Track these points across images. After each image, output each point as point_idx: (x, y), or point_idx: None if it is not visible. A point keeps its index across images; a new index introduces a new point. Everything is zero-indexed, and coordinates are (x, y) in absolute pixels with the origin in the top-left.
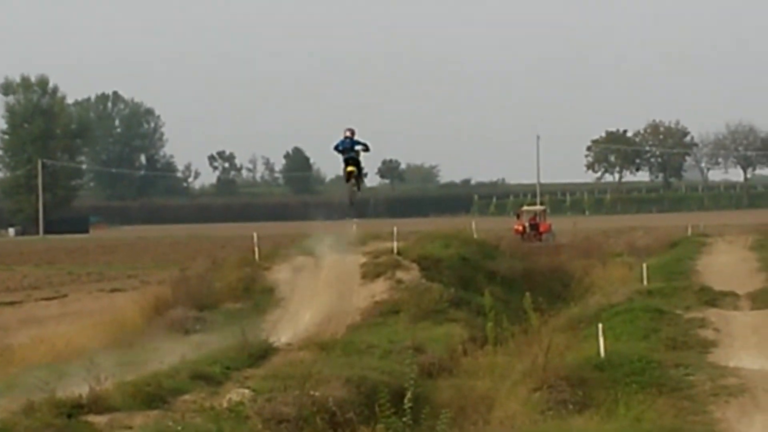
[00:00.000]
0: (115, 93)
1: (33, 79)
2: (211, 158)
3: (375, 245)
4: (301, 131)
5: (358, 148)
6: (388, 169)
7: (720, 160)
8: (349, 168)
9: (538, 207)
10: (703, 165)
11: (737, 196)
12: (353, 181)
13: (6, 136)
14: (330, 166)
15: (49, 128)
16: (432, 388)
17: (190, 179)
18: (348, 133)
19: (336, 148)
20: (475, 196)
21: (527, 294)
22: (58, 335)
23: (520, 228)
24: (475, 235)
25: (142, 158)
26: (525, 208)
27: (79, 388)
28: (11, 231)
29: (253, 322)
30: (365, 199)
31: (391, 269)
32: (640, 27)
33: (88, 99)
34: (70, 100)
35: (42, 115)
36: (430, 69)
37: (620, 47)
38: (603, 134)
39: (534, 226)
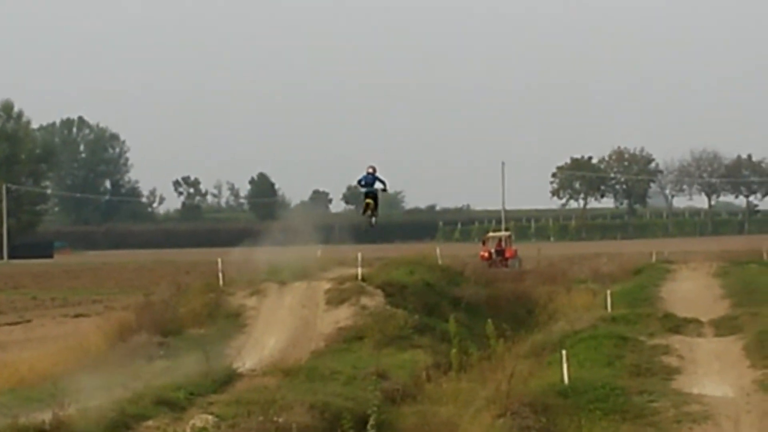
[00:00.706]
0: (80, 118)
1: None
2: (176, 183)
3: (339, 271)
4: (266, 157)
5: (377, 185)
6: (353, 194)
7: (684, 186)
8: (368, 200)
9: (504, 233)
10: (667, 192)
11: (701, 222)
12: (369, 212)
13: None
14: (295, 191)
15: (14, 153)
16: (396, 414)
17: (155, 204)
18: (370, 170)
19: (359, 182)
20: (440, 222)
21: (490, 321)
22: (22, 360)
23: (486, 254)
24: (440, 261)
25: (107, 183)
26: (491, 234)
27: (42, 414)
28: None
29: (217, 348)
30: (330, 225)
31: (355, 295)
32: (604, 53)
33: (53, 124)
34: (35, 125)
35: (6, 140)
36: (394, 95)
37: (585, 74)
38: (568, 161)
39: (500, 252)
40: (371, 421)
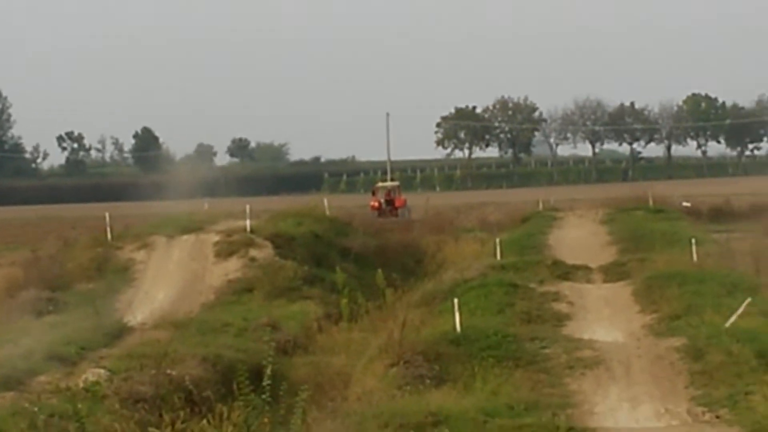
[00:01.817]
0: None
1: None
2: (60, 139)
3: (227, 224)
4: (150, 111)
5: None
6: (238, 147)
7: (569, 135)
8: None
9: (393, 183)
10: (552, 140)
11: (586, 170)
12: None
13: None
14: (180, 145)
15: None
16: (288, 365)
17: (39, 160)
18: None
19: None
20: (326, 174)
21: (380, 271)
22: None
23: (376, 204)
24: (328, 213)
25: None
26: (379, 184)
27: None
28: None
29: (107, 302)
30: (216, 179)
31: (244, 247)
32: (487, 3)
33: None
34: None
35: None
36: (279, 48)
37: (466, 24)
38: (452, 111)
39: (390, 202)
40: (267, 371)
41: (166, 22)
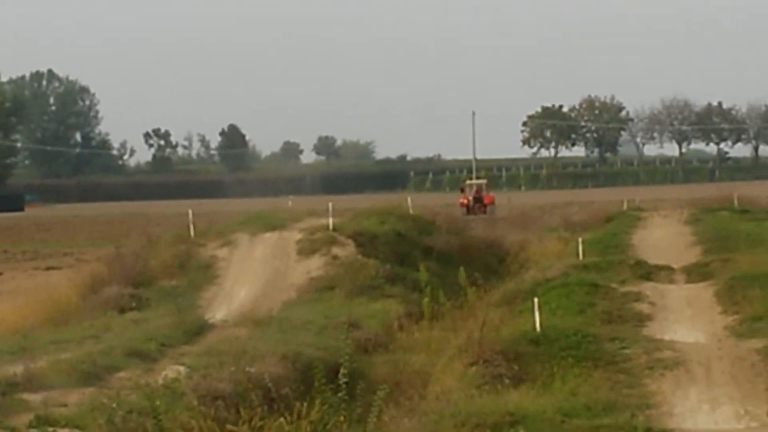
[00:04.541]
0: (49, 71)
1: None
2: (147, 135)
3: (310, 222)
4: (237, 108)
5: None
6: (324, 145)
7: (655, 134)
8: None
9: (481, 180)
10: (638, 140)
11: (672, 170)
12: None
13: None
14: (266, 142)
15: None
16: (368, 363)
17: (126, 157)
18: None
19: None
20: (411, 172)
21: (461, 269)
22: None
23: (465, 201)
24: (411, 211)
25: (78, 136)
26: (468, 182)
27: (13, 367)
28: None
29: (189, 299)
30: (301, 176)
31: (326, 245)
32: (573, 2)
33: (23, 77)
34: (4, 78)
35: None
36: (366, 45)
37: (554, 22)
38: (538, 109)
39: (478, 199)
40: (343, 370)
41: (253, 20)
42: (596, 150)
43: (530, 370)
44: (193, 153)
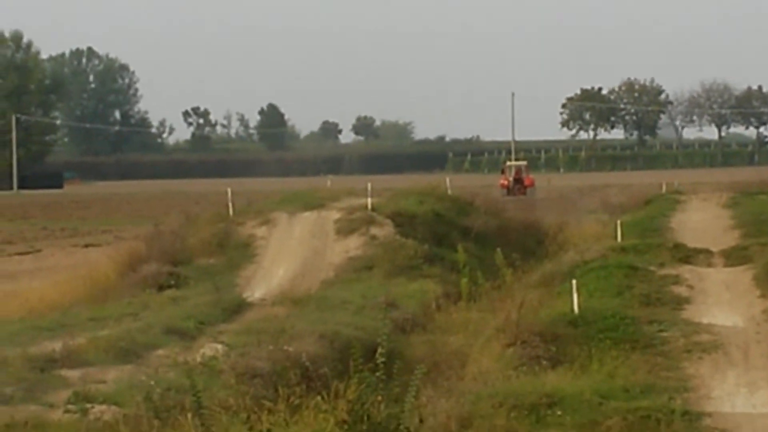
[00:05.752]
0: (89, 48)
1: (7, 34)
2: (186, 114)
3: (349, 201)
4: (276, 87)
5: None
6: (363, 125)
7: (695, 118)
8: None
9: (521, 162)
10: (677, 123)
11: (711, 154)
12: None
13: None
14: (304, 122)
15: (23, 84)
16: (405, 343)
17: (165, 135)
18: None
19: None
20: (450, 153)
21: (499, 250)
22: (32, 290)
23: (506, 182)
24: (450, 192)
25: (117, 114)
26: (509, 163)
27: (52, 343)
28: None
29: (227, 278)
30: (340, 156)
31: (365, 225)
32: None
33: (63, 54)
34: (44, 56)
35: (16, 71)
36: (405, 26)
37: (595, 5)
38: (578, 92)
39: (518, 181)
40: (380, 349)
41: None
42: (635, 133)
43: (568, 352)
44: (232, 132)
